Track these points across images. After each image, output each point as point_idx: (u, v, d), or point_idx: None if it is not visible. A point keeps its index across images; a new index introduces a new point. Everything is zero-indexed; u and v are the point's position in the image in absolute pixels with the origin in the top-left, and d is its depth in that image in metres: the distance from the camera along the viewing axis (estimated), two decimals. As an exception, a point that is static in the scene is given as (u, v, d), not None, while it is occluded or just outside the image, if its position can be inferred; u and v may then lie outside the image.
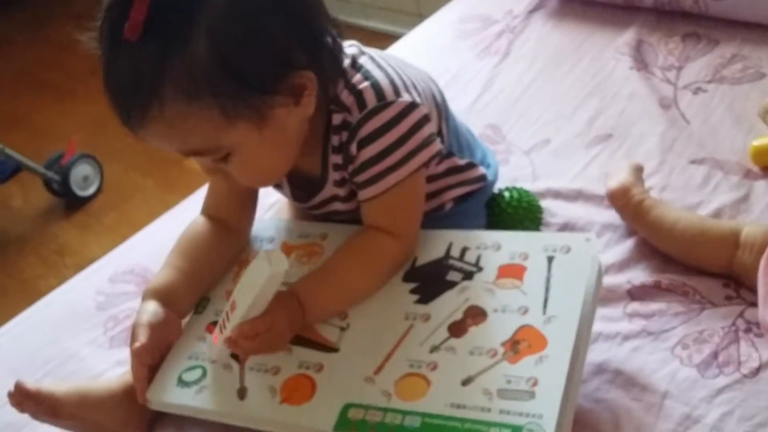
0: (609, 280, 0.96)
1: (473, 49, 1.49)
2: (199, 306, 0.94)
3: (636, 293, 0.95)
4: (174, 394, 0.86)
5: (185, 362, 0.88)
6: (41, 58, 3.01)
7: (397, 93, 0.85)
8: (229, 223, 0.97)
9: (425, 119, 0.87)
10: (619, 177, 1.03)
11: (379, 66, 0.88)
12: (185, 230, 0.98)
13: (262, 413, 0.82)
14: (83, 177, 2.27)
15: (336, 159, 0.89)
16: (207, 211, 0.99)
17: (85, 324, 1.10)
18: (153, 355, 0.86)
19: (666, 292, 0.94)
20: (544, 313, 0.81)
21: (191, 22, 0.73)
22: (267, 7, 0.77)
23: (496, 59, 1.44)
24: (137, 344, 0.84)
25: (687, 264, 0.95)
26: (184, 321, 0.93)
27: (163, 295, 0.90)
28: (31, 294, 1.73)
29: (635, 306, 0.93)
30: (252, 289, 0.78)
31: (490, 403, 0.75)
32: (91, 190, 2.29)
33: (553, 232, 0.99)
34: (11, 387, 1.00)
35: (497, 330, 0.81)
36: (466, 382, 0.78)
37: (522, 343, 0.79)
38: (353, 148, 0.86)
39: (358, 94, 0.85)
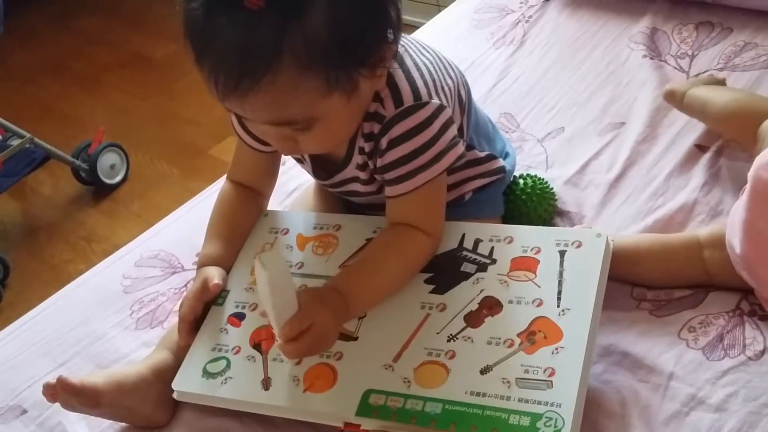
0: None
1: (489, 38, 1.50)
2: (219, 297, 0.96)
3: (644, 278, 0.96)
4: (200, 386, 0.89)
5: (209, 354, 0.91)
6: (68, 49, 3.03)
7: (429, 94, 0.87)
8: (256, 187, 1.04)
9: (450, 121, 0.89)
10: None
11: (416, 64, 0.89)
12: (220, 198, 1.04)
13: (286, 402, 0.84)
14: (110, 165, 2.31)
15: (363, 144, 0.90)
16: (234, 177, 1.05)
17: (113, 307, 1.13)
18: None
19: (673, 276, 0.95)
20: (558, 305, 0.84)
21: None
22: None
23: (511, 49, 1.45)
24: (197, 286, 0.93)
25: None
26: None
27: (215, 261, 0.98)
28: (60, 279, 1.78)
29: (642, 290, 0.95)
30: (265, 296, 0.79)
31: (509, 392, 0.78)
32: (117, 178, 2.33)
33: (564, 227, 1.00)
34: (42, 368, 1.05)
35: (513, 321, 0.84)
36: (484, 371, 0.81)
37: (538, 333, 0.82)
38: (383, 142, 0.87)
39: (394, 88, 0.86)
